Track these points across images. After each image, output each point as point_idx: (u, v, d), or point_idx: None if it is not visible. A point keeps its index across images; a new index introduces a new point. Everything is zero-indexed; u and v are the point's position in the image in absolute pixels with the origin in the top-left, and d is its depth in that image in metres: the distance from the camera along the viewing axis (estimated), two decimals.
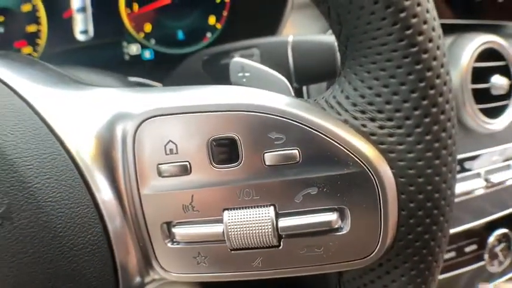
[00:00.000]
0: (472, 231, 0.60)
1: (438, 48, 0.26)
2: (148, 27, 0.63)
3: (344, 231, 0.26)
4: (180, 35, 0.63)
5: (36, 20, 0.63)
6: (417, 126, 0.26)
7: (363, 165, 0.26)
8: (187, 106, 0.27)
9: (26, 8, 0.63)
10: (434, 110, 0.26)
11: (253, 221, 0.26)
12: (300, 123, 0.26)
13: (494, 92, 0.61)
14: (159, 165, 0.27)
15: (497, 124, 0.62)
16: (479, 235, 0.61)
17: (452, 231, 0.58)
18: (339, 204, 0.26)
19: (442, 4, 0.63)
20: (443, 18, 0.62)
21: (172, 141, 0.27)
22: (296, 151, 0.26)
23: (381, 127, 0.26)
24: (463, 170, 0.60)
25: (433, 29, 0.26)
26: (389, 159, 0.26)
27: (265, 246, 0.27)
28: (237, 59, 0.34)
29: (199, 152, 0.27)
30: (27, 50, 0.64)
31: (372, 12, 0.25)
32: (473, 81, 0.60)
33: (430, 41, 0.25)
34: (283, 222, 0.26)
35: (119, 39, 0.63)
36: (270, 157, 0.26)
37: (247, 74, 0.34)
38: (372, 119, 0.26)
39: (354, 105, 0.27)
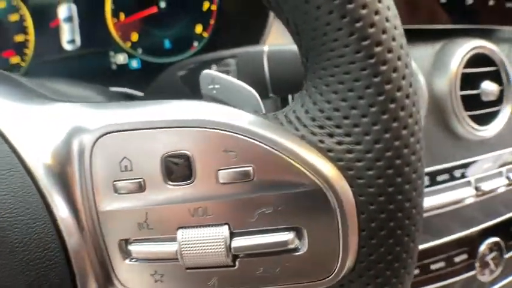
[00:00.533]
0: (462, 240, 0.59)
1: (399, 58, 0.25)
2: (135, 37, 0.63)
3: (301, 252, 0.26)
4: (167, 44, 0.62)
5: (23, 30, 0.63)
6: (376, 142, 0.25)
7: (320, 183, 0.25)
8: (140, 122, 0.26)
9: (14, 17, 0.63)
10: (395, 124, 0.24)
11: (207, 240, 0.26)
12: (254, 140, 0.25)
13: (485, 98, 0.60)
14: (115, 182, 0.27)
15: (488, 131, 0.61)
16: (470, 244, 0.60)
17: (441, 240, 0.57)
18: (295, 224, 0.25)
19: (431, 9, 0.62)
20: (432, 23, 0.61)
21: (127, 158, 0.26)
22: (250, 168, 0.25)
23: (339, 143, 0.25)
24: (453, 178, 0.59)
25: (394, 39, 0.25)
26: (348, 176, 0.25)
27: (220, 266, 0.26)
28: (207, 71, 0.33)
29: (153, 169, 0.26)
30: (15, 59, 0.64)
31: (327, 23, 0.24)
32: (464, 88, 0.59)
33: (390, 51, 0.24)
34: (237, 242, 0.26)
35: (105, 49, 0.63)
36: (223, 174, 0.25)
37: (217, 86, 0.34)
38: (330, 135, 0.25)
39: (313, 120, 0.26)
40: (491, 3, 0.65)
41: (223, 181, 0.26)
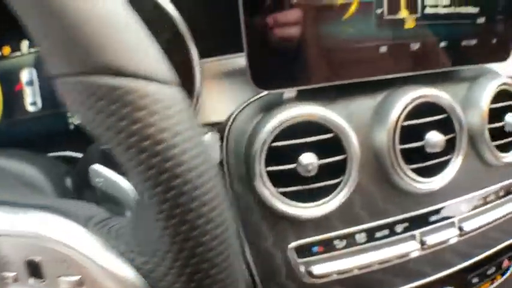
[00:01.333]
0: None
1: (181, 195, 0.27)
2: None
3: None
4: None
5: None
6: (171, 268, 0.28)
7: None
8: (5, 230, 0.32)
9: None
10: (182, 255, 0.28)
11: None
12: (79, 254, 0.30)
13: (430, 150, 0.58)
14: (1, 273, 0.32)
15: (434, 183, 0.59)
16: None
17: None
18: None
19: (370, 60, 0.59)
20: (373, 75, 0.60)
21: (6, 256, 0.32)
22: (79, 277, 0.30)
23: (146, 263, 0.30)
24: (393, 233, 0.58)
25: (170, 179, 0.27)
26: None
27: None
28: (93, 167, 0.37)
29: (21, 267, 0.32)
30: None
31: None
32: (408, 139, 0.58)
33: (170, 190, 0.27)
34: None
35: (64, 110, 0.67)
36: (62, 280, 0.31)
37: (102, 180, 0.37)
38: (141, 253, 0.30)
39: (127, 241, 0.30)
40: (442, 44, 0.62)
41: (63, 286, 0.31)
